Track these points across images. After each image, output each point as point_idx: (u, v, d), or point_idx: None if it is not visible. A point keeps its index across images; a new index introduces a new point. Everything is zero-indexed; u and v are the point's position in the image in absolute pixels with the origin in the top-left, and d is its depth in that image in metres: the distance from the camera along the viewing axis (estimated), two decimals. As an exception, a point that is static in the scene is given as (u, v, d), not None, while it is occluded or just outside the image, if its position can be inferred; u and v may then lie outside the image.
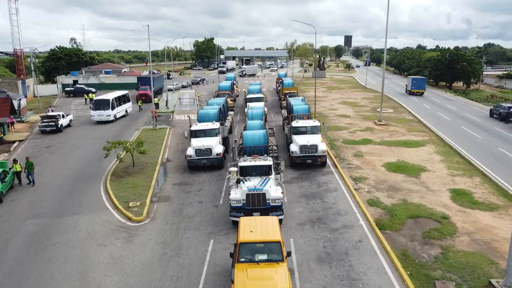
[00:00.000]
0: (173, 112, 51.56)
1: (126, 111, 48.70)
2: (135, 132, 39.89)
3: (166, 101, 55.72)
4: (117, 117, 45.62)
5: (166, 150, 32.68)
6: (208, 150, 26.42)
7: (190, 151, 26.70)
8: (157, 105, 55.22)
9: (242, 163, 20.30)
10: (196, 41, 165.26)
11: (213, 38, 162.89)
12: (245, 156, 22.28)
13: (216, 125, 28.63)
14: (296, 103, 34.86)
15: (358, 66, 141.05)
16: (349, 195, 22.44)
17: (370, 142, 33.85)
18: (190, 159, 26.61)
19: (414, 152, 31.02)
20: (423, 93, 67.35)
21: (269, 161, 20.41)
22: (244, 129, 27.51)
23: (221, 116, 32.20)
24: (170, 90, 63.92)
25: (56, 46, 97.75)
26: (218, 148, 26.93)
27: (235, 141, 23.93)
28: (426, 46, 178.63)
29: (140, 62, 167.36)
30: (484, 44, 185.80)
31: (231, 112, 41.27)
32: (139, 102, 53.88)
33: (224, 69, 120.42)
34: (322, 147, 26.64)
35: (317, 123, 28.72)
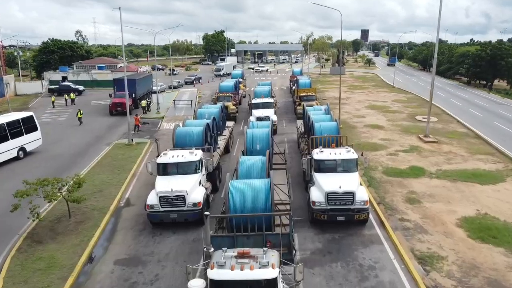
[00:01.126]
0: (162, 118, 42.07)
1: (23, 149, 27.29)
2: (105, 148, 30.50)
3: (158, 104, 46.15)
4: None
5: (131, 183, 23.06)
6: (180, 198, 16.66)
7: (152, 199, 16.91)
8: (145, 108, 45.81)
9: (214, 274, 9.78)
10: (205, 34, 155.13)
11: (223, 31, 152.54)
12: (224, 249, 10.67)
13: (196, 156, 18.43)
14: (317, 117, 24.08)
15: (377, 55, 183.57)
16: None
17: (423, 173, 23.65)
18: (151, 212, 16.87)
19: (494, 193, 20.77)
20: (394, 65, 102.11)
21: (270, 270, 9.71)
22: (236, 170, 17.43)
23: (209, 136, 22.35)
24: (153, 92, 52.19)
25: (49, 38, 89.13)
26: (196, 195, 17.09)
27: (207, 215, 11.85)
28: (447, 41, 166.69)
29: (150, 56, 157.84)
30: (509, 39, 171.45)
31: (231, 123, 31.32)
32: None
33: (220, 72, 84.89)
34: (362, 195, 16.56)
35: (353, 155, 18.18)
